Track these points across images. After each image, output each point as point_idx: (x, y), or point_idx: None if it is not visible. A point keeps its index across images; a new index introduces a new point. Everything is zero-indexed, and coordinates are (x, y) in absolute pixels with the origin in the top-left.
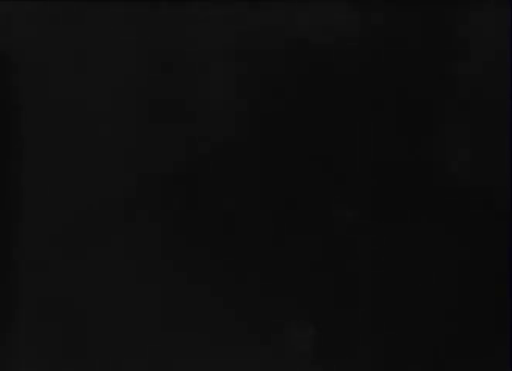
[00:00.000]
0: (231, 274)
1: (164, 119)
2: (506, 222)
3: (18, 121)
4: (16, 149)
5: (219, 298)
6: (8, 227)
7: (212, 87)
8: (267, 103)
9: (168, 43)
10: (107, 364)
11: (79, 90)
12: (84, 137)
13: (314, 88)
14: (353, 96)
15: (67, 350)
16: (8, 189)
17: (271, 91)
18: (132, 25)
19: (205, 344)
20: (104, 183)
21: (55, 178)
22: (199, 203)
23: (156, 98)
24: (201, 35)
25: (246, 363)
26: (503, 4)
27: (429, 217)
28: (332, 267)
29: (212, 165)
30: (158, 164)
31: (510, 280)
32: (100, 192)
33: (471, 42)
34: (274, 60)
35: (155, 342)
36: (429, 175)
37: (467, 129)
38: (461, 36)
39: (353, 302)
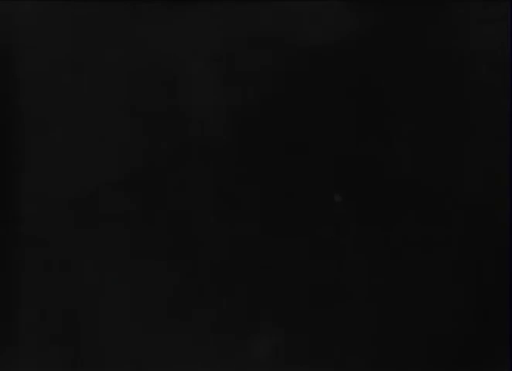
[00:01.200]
0: (222, 274)
1: (164, 116)
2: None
3: (18, 120)
4: (17, 147)
5: (214, 298)
6: (7, 227)
7: (212, 79)
8: (264, 102)
9: (168, 43)
10: (107, 364)
11: (78, 90)
12: (84, 135)
13: (311, 88)
14: (351, 96)
15: (66, 351)
16: (8, 190)
17: (267, 91)
18: (132, 25)
19: (197, 346)
20: (104, 181)
21: (54, 176)
22: (183, 201)
23: (156, 97)
24: (198, 34)
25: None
26: (504, 4)
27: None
28: (319, 265)
29: (199, 161)
30: (156, 160)
31: (510, 281)
32: (100, 191)
33: (471, 42)
34: (273, 59)
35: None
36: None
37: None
38: (461, 36)
39: (345, 304)
